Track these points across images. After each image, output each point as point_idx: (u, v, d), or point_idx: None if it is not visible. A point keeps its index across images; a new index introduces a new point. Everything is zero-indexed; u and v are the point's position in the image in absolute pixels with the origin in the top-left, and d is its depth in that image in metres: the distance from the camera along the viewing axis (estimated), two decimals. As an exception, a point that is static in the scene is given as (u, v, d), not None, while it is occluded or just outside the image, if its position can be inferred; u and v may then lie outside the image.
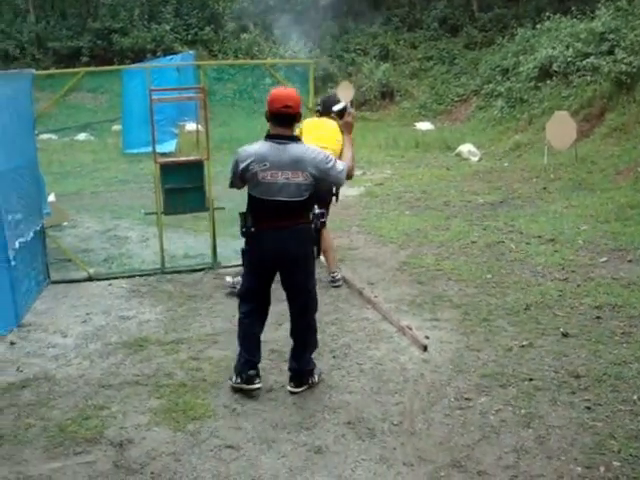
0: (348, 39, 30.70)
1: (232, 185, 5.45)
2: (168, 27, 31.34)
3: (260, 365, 5.72)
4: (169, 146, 16.74)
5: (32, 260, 7.67)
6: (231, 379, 5.58)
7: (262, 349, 5.72)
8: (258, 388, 5.50)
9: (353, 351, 6.22)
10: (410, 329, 6.51)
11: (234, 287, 7.55)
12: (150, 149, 8.70)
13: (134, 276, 8.50)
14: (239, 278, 7.25)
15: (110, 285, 8.23)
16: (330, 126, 7.78)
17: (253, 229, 5.25)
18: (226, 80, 26.97)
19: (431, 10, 30.57)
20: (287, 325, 6.12)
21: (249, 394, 5.44)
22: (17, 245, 7.00)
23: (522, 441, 4.71)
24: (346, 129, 5.62)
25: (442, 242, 9.63)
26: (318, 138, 7.27)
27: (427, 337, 6.39)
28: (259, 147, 5.17)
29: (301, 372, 5.54)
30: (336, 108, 5.57)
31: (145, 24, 31.73)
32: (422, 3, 31.90)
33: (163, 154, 8.43)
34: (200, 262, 8.80)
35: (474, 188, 13.48)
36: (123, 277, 8.47)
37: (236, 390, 5.51)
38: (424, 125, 23.42)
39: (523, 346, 6.18)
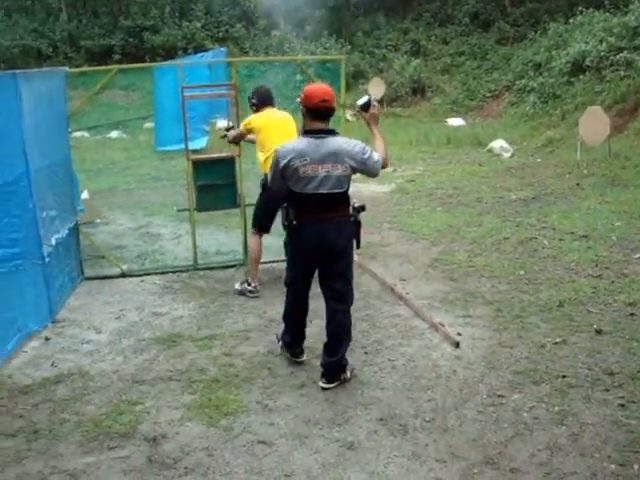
0: (379, 35, 30.64)
1: (272, 183, 5.61)
2: (199, 24, 31.52)
3: (291, 361, 5.92)
4: (200, 143, 16.80)
5: (66, 257, 7.74)
6: (278, 340, 6.11)
7: None
8: (302, 361, 5.95)
9: (385, 347, 6.21)
10: (442, 326, 6.49)
11: (243, 293, 7.62)
12: (182, 146, 8.74)
13: (167, 272, 8.56)
14: (246, 285, 7.39)
15: (143, 281, 8.29)
16: (290, 120, 7.75)
17: (295, 222, 5.41)
18: (257, 77, 26.93)
19: (462, 5, 30.46)
20: (318, 322, 6.25)
21: (281, 390, 5.48)
22: (53, 242, 7.07)
23: (555, 438, 4.68)
24: (373, 121, 5.64)
25: (474, 239, 9.59)
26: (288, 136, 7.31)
27: (459, 334, 6.37)
28: (297, 143, 5.34)
29: (335, 366, 5.55)
30: (360, 102, 5.60)
31: (176, 22, 31.94)
32: (454, -2, 31.82)
33: (194, 151, 8.46)
34: (232, 258, 8.83)
35: (506, 184, 13.41)
36: (156, 273, 8.54)
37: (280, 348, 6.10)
38: (456, 121, 23.35)
39: (556, 343, 6.14)
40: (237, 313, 7.20)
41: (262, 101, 7.76)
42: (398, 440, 4.73)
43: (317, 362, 5.82)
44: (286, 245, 6.00)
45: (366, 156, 5.31)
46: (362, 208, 5.59)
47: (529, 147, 17.83)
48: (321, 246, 5.40)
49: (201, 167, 8.22)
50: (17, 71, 6.61)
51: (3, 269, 6.05)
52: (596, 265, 8.18)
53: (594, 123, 13.96)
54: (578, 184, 12.82)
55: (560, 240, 9.27)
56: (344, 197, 5.41)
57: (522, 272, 8.07)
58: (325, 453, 4.60)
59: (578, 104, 18.44)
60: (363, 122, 5.74)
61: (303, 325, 5.92)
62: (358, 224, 5.58)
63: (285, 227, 5.62)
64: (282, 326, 6.07)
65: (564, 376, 5.51)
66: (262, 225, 7.65)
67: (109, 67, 9.40)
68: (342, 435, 4.81)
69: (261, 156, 7.54)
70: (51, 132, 7.41)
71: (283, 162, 5.26)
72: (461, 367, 5.76)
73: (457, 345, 6.12)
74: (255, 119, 7.62)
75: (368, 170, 5.41)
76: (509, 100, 23.91)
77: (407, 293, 7.46)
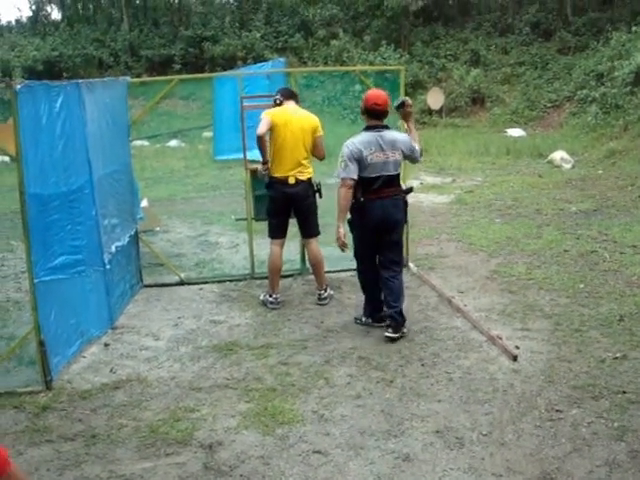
0: (438, 45, 30.48)
1: (348, 174, 6.47)
2: (258, 34, 31.78)
3: (347, 371, 5.96)
4: (257, 153, 16.88)
5: (126, 264, 7.85)
6: (360, 319, 7.06)
7: (350, 357, 6.25)
8: (383, 326, 6.74)
9: (442, 360, 6.17)
10: (500, 339, 6.42)
11: (265, 304, 7.65)
12: (240, 155, 8.82)
13: (224, 281, 8.63)
14: (267, 296, 7.67)
15: (201, 289, 8.37)
16: (309, 121, 7.55)
17: (362, 199, 6.51)
18: (315, 87, 27.13)
19: (523, 14, 30.20)
20: (375, 333, 6.66)
21: (337, 400, 5.48)
22: (113, 249, 7.18)
23: (614, 454, 4.59)
24: (408, 118, 6.90)
25: (534, 251, 9.47)
26: (291, 150, 7.39)
27: (517, 347, 6.30)
28: (362, 137, 6.55)
29: (399, 316, 6.65)
30: (395, 104, 6.86)
31: (236, 32, 32.26)
32: (514, 7, 31.55)
33: (252, 161, 8.52)
34: (289, 268, 8.79)
35: (567, 196, 13.23)
36: (214, 282, 8.61)
37: (364, 325, 6.98)
38: (515, 131, 23.11)
39: (616, 358, 6.03)
40: (294, 322, 7.22)
41: (285, 95, 7.61)
42: (454, 453, 4.70)
43: (373, 373, 5.87)
44: (350, 224, 6.78)
45: (412, 146, 6.69)
46: (410, 190, 7.00)
47: (590, 158, 17.57)
48: (384, 218, 6.57)
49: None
50: (80, 80, 6.74)
51: (66, 275, 6.15)
52: (658, 279, 8.04)
53: (657, 134, 13.72)
54: (640, 196, 12.60)
55: (621, 253, 9.11)
56: (398, 178, 6.69)
57: (582, 285, 7.96)
58: (380, 464, 4.58)
59: (641, 115, 18.14)
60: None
61: (379, 289, 6.86)
62: (406, 202, 6.82)
63: (353, 205, 6.55)
64: (359, 309, 7.15)
65: (624, 392, 5.41)
66: (276, 232, 7.70)
67: (170, 77, 9.52)
68: (398, 447, 4.79)
69: (270, 154, 7.50)
70: (113, 140, 7.54)
71: (357, 155, 6.42)
72: (519, 381, 5.69)
73: (515, 358, 6.05)
74: (273, 113, 7.43)
75: (414, 157, 6.83)
76: (570, 110, 23.61)
77: (465, 305, 7.41)
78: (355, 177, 6.45)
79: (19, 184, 5.41)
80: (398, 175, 6.67)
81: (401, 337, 6.60)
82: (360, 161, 6.42)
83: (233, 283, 8.56)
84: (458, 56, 29.32)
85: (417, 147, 6.75)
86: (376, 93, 6.67)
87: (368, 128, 6.61)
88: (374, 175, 6.48)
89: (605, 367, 5.87)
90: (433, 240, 10.31)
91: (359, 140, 6.51)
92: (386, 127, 6.65)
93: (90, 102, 6.66)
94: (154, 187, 14.83)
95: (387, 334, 6.59)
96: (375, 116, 6.58)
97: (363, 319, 7.02)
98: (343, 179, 6.49)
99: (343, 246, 6.68)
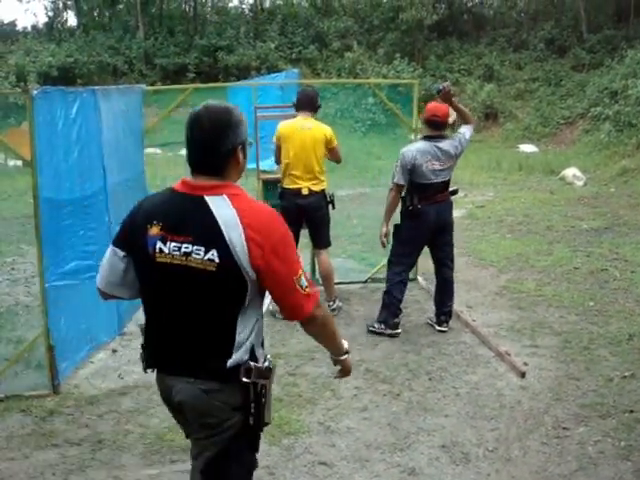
0: (452, 59, 30.47)
1: (400, 180, 6.87)
2: (273, 45, 31.78)
3: (354, 384, 5.90)
4: (271, 163, 16.88)
5: (136, 271, 7.84)
6: (372, 326, 7.12)
7: (358, 369, 6.08)
8: (398, 333, 7.02)
9: (449, 374, 6.17)
10: (508, 355, 6.42)
11: (274, 315, 7.62)
12: (252, 165, 8.83)
13: (233, 290, 8.59)
14: (276, 306, 7.40)
15: (210, 298, 8.34)
16: (320, 133, 7.47)
17: (420, 205, 6.82)
18: (328, 98, 27.06)
19: (538, 31, 30.16)
20: (383, 345, 6.61)
21: (343, 412, 5.47)
22: (124, 256, 7.18)
23: (620, 474, 4.57)
24: (451, 101, 7.03)
25: (544, 267, 9.46)
26: (303, 162, 7.38)
27: (526, 364, 6.29)
28: (419, 146, 6.92)
29: (451, 312, 7.23)
30: (436, 90, 7.07)
31: (250, 42, 32.27)
32: (529, 23, 31.57)
33: (264, 171, 8.55)
34: (299, 278, 8.77)
35: (578, 213, 13.20)
36: (223, 290, 8.57)
37: (375, 333, 7.05)
38: (528, 147, 23.07)
39: (625, 377, 6.02)
40: (302, 333, 7.09)
41: (298, 104, 7.56)
42: (460, 468, 4.69)
43: (380, 386, 5.87)
44: (399, 227, 7.06)
45: (463, 142, 7.07)
46: (456, 191, 7.21)
47: (603, 176, 17.52)
48: (438, 221, 6.94)
49: (271, 187, 8.27)
50: (96, 87, 6.78)
51: (77, 281, 6.14)
52: (669, 299, 8.01)
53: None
54: (652, 215, 12.57)
55: (632, 272, 9.09)
56: (449, 182, 7.05)
57: (592, 303, 7.94)
58: (386, 478, 4.58)
59: (655, 133, 18.10)
60: None
61: (402, 294, 7.12)
62: (451, 204, 7.19)
63: (409, 211, 6.88)
64: (368, 320, 7.24)
65: (631, 411, 5.40)
66: None
67: (185, 86, 9.55)
68: (403, 460, 4.78)
69: (281, 166, 7.54)
70: (128, 148, 7.56)
71: (410, 165, 6.76)
72: (526, 397, 5.69)
73: (523, 375, 6.04)
74: (281, 126, 7.49)
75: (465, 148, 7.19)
76: (583, 128, 23.55)
77: (473, 320, 7.41)
78: (403, 183, 6.88)
79: (33, 188, 5.43)
80: (449, 179, 7.06)
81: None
82: (414, 169, 6.76)
83: (242, 292, 8.53)
84: (472, 71, 29.29)
85: (467, 135, 7.13)
86: (434, 106, 7.02)
87: (426, 137, 7.00)
88: (429, 182, 6.83)
89: (613, 386, 5.86)
90: (443, 254, 10.29)
91: (416, 148, 6.88)
92: (443, 137, 6.99)
93: (106, 109, 6.69)
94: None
95: (441, 328, 7.15)
96: (434, 127, 6.96)
97: (376, 325, 7.09)
98: (394, 183, 6.93)
99: (383, 245, 7.22)
